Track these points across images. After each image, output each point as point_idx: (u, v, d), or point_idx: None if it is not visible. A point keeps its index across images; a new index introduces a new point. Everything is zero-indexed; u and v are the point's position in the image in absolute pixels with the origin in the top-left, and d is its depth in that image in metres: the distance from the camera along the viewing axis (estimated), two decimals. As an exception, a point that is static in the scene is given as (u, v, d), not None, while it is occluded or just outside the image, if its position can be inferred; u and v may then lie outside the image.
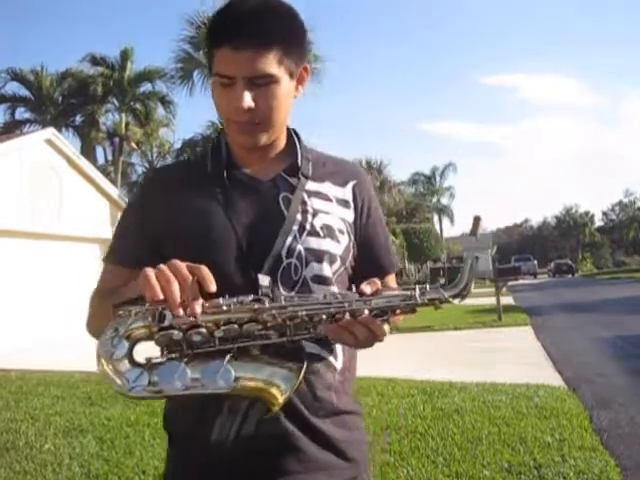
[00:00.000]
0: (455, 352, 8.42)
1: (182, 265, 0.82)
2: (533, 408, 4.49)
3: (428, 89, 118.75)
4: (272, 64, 0.95)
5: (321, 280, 1.01)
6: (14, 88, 22.74)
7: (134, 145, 22.96)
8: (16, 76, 22.30)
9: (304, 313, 0.84)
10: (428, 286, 0.88)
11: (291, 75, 1.00)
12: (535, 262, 47.14)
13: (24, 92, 22.57)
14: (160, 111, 23.44)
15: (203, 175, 1.06)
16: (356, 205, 1.10)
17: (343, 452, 1.02)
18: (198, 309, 0.81)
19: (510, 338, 9.40)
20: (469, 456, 3.45)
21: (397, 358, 7.95)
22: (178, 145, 24.36)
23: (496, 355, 7.75)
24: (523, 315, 12.76)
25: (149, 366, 0.85)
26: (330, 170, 1.11)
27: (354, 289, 0.87)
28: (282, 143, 1.10)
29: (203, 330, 0.84)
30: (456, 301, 0.88)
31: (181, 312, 0.80)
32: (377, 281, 0.88)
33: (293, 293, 0.97)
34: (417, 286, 0.87)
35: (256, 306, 0.84)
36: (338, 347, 1.02)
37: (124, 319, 0.85)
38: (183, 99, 53.31)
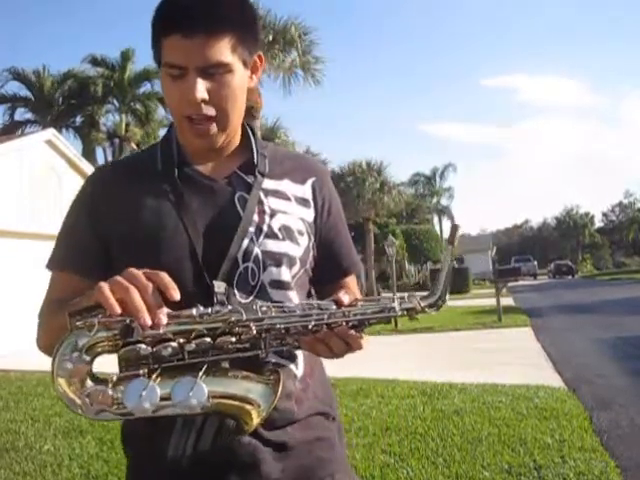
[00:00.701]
0: (455, 353, 8.41)
1: (139, 273, 0.76)
2: (533, 409, 4.48)
3: (428, 90, 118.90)
4: (226, 52, 0.89)
5: (280, 285, 0.96)
6: (14, 88, 22.80)
7: (134, 146, 22.93)
8: (18, 76, 22.31)
9: (282, 326, 0.79)
10: (406, 295, 0.85)
11: (245, 64, 0.95)
12: (535, 263, 47.15)
13: (24, 92, 22.60)
14: (160, 111, 23.44)
15: (153, 172, 0.98)
16: (316, 203, 1.04)
17: (307, 454, 0.97)
18: (164, 319, 0.75)
19: (510, 339, 9.40)
20: (469, 457, 3.44)
21: (397, 359, 7.94)
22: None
23: (496, 356, 7.74)
24: (523, 316, 12.76)
25: (113, 383, 0.76)
26: (288, 167, 1.05)
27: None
28: (237, 139, 1.03)
29: (174, 344, 0.76)
30: (432, 311, 0.85)
31: (149, 322, 0.73)
32: (353, 289, 0.88)
33: (252, 299, 0.91)
34: (395, 296, 0.84)
35: (233, 318, 0.77)
36: (300, 354, 0.97)
37: (83, 331, 0.75)
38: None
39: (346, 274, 1.09)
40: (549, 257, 62.82)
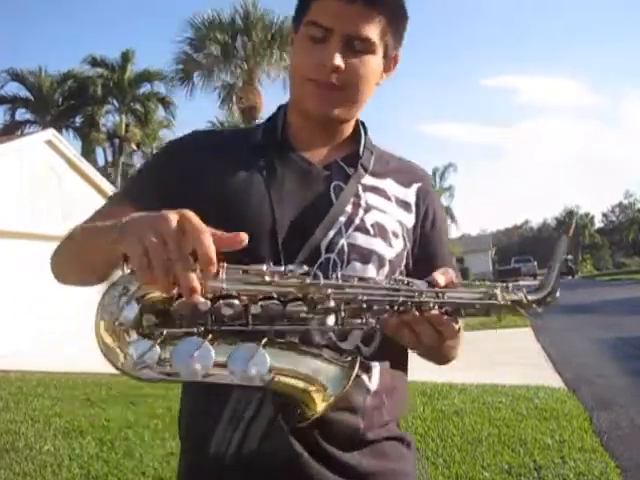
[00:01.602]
0: (455, 353, 8.40)
1: (189, 217, 0.64)
2: (533, 409, 4.48)
3: (428, 90, 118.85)
4: (376, 31, 0.86)
5: None
6: (14, 89, 22.79)
7: (134, 146, 22.95)
8: (16, 77, 22.31)
9: (364, 298, 0.68)
10: (511, 285, 0.74)
11: (386, 54, 0.91)
12: (535, 263, 47.10)
13: (24, 93, 22.60)
14: (160, 112, 23.46)
15: (251, 144, 0.94)
16: (418, 210, 0.96)
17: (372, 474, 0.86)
18: (219, 273, 0.64)
19: (510, 339, 9.40)
20: (469, 458, 3.44)
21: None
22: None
23: (496, 356, 7.74)
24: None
25: (163, 339, 0.66)
26: (393, 167, 0.99)
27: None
28: (348, 131, 0.97)
29: (236, 302, 0.66)
30: (539, 308, 0.74)
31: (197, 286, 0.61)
32: (451, 271, 0.75)
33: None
34: (499, 284, 0.74)
35: (308, 280, 0.67)
36: (376, 366, 0.87)
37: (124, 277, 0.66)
38: (183, 100, 53.30)
39: None
40: (549, 257, 62.56)
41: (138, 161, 26.03)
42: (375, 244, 0.88)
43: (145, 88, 22.92)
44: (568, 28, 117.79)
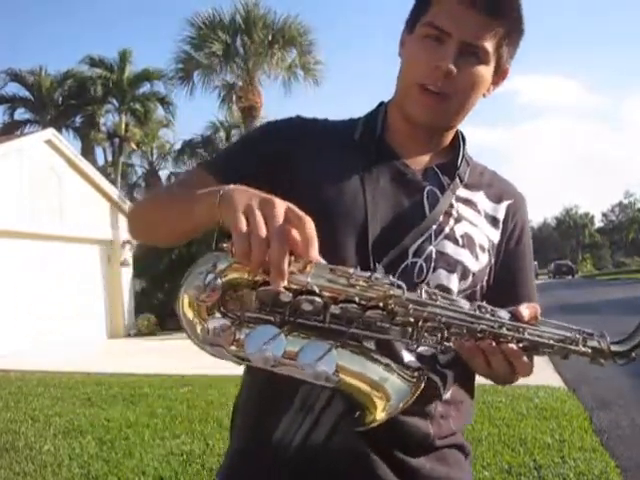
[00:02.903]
0: (455, 353, 8.41)
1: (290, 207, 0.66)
2: (533, 409, 4.49)
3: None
4: (493, 40, 0.86)
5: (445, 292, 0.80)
6: (14, 89, 22.78)
7: (134, 146, 22.95)
8: (16, 77, 22.30)
9: (444, 319, 0.69)
10: (596, 333, 0.75)
11: (498, 65, 0.90)
12: (535, 263, 46.10)
13: (24, 93, 22.59)
14: (160, 112, 23.45)
15: (349, 139, 0.94)
16: (505, 227, 0.96)
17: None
18: (316, 258, 0.65)
19: (510, 339, 9.40)
20: (469, 457, 3.45)
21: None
22: (178, 146, 24.38)
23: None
24: (523, 316, 12.74)
25: (239, 321, 0.68)
26: (486, 181, 0.98)
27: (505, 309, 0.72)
28: (447, 139, 0.97)
29: (317, 299, 0.66)
30: (620, 361, 0.73)
31: (282, 281, 0.63)
32: (537, 307, 0.76)
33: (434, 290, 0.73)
34: (581, 330, 0.74)
35: (392, 292, 0.67)
36: (450, 377, 0.88)
37: (226, 254, 0.67)
38: (183, 100, 53.34)
39: None
40: (549, 257, 62.84)
41: (138, 161, 26.05)
42: (462, 255, 0.89)
43: (145, 88, 22.93)
44: (568, 29, 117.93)
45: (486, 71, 0.88)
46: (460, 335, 0.70)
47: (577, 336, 0.73)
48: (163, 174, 27.10)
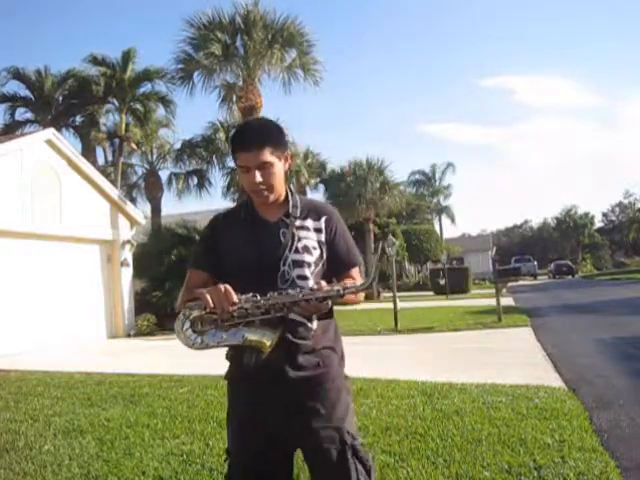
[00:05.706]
0: (455, 353, 8.41)
1: (221, 288, 1.60)
2: (533, 409, 4.48)
3: (427, 91, 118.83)
4: (268, 155, 1.72)
5: (302, 278, 1.74)
6: (14, 88, 22.74)
7: (134, 146, 22.88)
8: (17, 75, 22.24)
9: (280, 302, 1.61)
10: (358, 282, 1.71)
11: (279, 159, 1.76)
12: (535, 263, 47.12)
13: (24, 92, 22.54)
14: (160, 112, 23.39)
15: (240, 219, 1.84)
16: (327, 230, 1.82)
17: (317, 364, 1.76)
18: (229, 308, 1.60)
19: (510, 339, 9.40)
20: (469, 457, 3.44)
21: (397, 359, 7.94)
22: (178, 146, 24.33)
23: (496, 356, 7.74)
24: (523, 316, 12.75)
25: (200, 332, 1.63)
26: (312, 208, 1.86)
27: (310, 284, 1.68)
28: (282, 197, 1.83)
29: (242, 310, 1.61)
30: (363, 286, 1.67)
31: (225, 310, 1.61)
32: (322, 282, 1.63)
33: (287, 286, 1.72)
34: (345, 287, 1.62)
35: (262, 301, 1.62)
36: (315, 318, 1.75)
37: (188, 309, 1.65)
38: (183, 100, 53.24)
39: (350, 266, 1.86)
40: (549, 257, 62.82)
41: (138, 161, 26.02)
42: (305, 257, 1.77)
43: (145, 88, 22.86)
44: (568, 29, 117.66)
45: (275, 167, 1.75)
46: (291, 305, 1.61)
47: (340, 287, 1.62)
48: (163, 174, 27.09)
